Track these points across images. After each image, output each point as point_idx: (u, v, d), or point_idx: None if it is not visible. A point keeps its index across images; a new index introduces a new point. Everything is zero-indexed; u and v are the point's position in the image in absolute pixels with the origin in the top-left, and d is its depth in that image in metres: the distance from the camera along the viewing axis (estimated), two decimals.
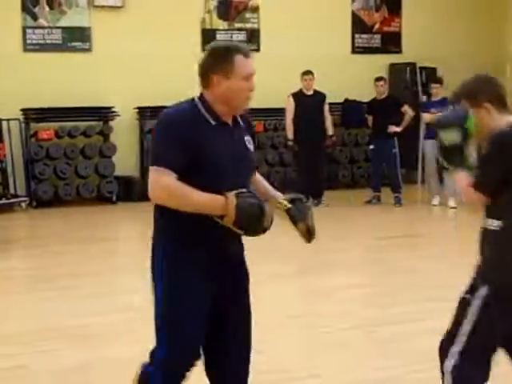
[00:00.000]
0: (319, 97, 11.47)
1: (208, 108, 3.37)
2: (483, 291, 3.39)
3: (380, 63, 13.96)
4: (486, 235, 3.45)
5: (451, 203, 11.27)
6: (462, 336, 3.45)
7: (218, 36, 13.16)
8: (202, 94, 3.42)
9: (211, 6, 13.28)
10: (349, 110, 13.50)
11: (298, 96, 11.42)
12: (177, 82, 12.12)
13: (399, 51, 14.44)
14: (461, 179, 3.49)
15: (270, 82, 11.35)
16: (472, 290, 3.46)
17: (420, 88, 13.67)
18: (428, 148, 11.61)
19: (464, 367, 3.43)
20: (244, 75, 3.38)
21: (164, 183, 3.24)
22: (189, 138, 3.26)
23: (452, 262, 7.93)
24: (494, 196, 3.38)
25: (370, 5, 14.31)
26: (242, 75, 3.37)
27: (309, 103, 11.32)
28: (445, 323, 5.54)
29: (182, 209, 3.27)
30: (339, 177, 13.53)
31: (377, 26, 14.39)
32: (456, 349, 3.46)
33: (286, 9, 13.43)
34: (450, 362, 3.46)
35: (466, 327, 3.45)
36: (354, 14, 14.19)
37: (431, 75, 13.18)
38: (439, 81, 11.70)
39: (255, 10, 13.49)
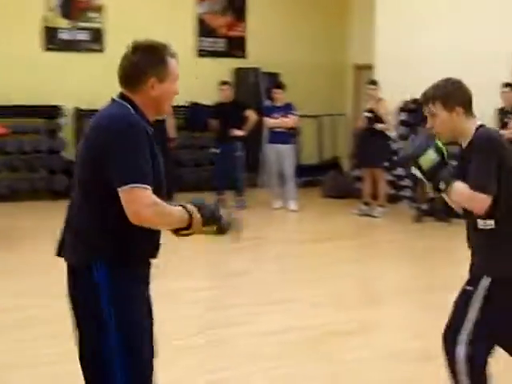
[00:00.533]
0: None
1: (142, 114, 3.10)
2: (486, 282, 3.59)
3: (225, 67, 14.07)
4: (482, 235, 3.65)
5: (292, 206, 11.52)
6: (469, 323, 3.63)
7: (60, 35, 12.90)
8: (126, 97, 3.11)
9: (53, 3, 12.97)
10: (194, 114, 13.52)
11: None
12: (15, 80, 11.81)
13: (244, 56, 14.60)
14: (460, 190, 3.58)
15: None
16: (473, 281, 3.65)
17: (263, 93, 13.89)
18: (270, 152, 11.81)
19: (476, 354, 3.60)
20: (175, 78, 3.18)
21: (150, 201, 2.91)
22: (146, 147, 3.01)
23: (287, 264, 8.14)
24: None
25: (215, 9, 14.39)
26: (173, 78, 3.17)
27: None
28: (273, 325, 5.70)
29: (163, 227, 3.04)
30: (184, 180, 13.51)
31: (222, 30, 14.49)
32: (464, 337, 3.63)
33: (132, 9, 13.32)
34: (461, 351, 3.63)
35: (472, 315, 3.63)
36: (199, 18, 14.24)
37: (274, 80, 13.41)
38: (281, 86, 11.92)
39: (99, 9, 13.29)
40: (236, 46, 14.56)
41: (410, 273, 8.14)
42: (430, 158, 3.61)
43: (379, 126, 11.05)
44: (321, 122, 14.86)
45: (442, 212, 10.90)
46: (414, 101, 12.07)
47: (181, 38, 13.83)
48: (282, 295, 6.90)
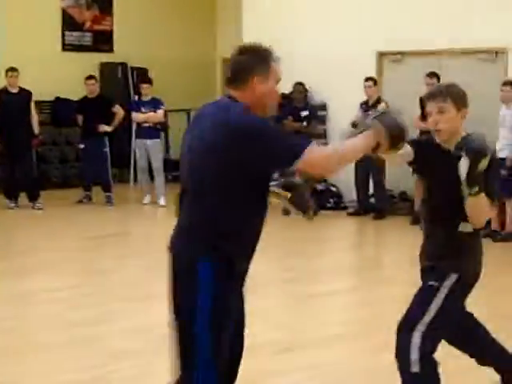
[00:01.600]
0: (25, 94, 11.13)
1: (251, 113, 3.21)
2: (452, 279, 3.74)
3: (91, 62, 13.83)
4: (456, 236, 3.78)
5: (161, 202, 11.47)
6: (429, 317, 3.73)
7: None
8: (233, 97, 3.24)
9: None
10: (59, 109, 13.26)
11: (2, 94, 11.03)
12: None
13: (111, 50, 14.40)
14: (485, 202, 3.68)
15: None
16: (439, 277, 3.77)
17: (132, 88, 13.76)
18: (138, 147, 11.72)
19: (429, 345, 3.72)
20: (277, 79, 3.31)
21: (324, 152, 3.20)
22: None
23: (153, 260, 8.08)
24: None
25: (80, 2, 14.11)
26: (276, 79, 3.30)
27: (13, 101, 10.96)
28: (138, 322, 5.65)
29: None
30: (50, 176, 13.23)
31: (88, 24, 14.23)
32: (421, 327, 3.71)
33: (33, 4, 13.03)
34: (416, 340, 3.70)
35: (433, 309, 3.75)
36: (63, 11, 13.93)
37: (142, 75, 13.30)
38: (149, 81, 11.84)
39: None
40: (103, 41, 14.33)
41: (278, 264, 8.24)
42: (484, 164, 3.61)
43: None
44: (190, 116, 14.83)
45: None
46: (281, 95, 12.22)
47: (45, 32, 13.55)
48: (148, 291, 6.85)
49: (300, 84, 11.30)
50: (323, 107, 12.07)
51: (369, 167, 10.62)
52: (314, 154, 3.10)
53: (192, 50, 15.06)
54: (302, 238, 9.50)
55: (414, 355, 3.69)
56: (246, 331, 5.37)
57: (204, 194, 3.21)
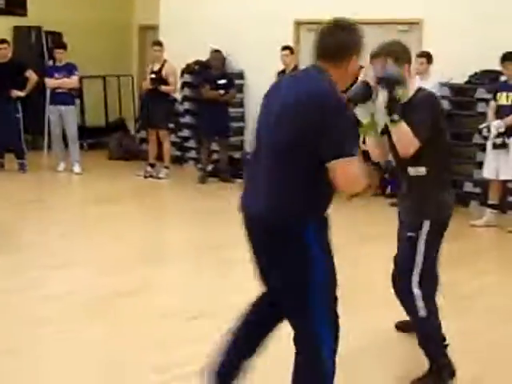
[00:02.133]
0: None
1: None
2: (426, 226, 4.17)
3: (4, 25, 13.42)
4: (414, 182, 4.25)
5: (76, 169, 11.30)
6: (418, 267, 4.23)
7: None
8: (325, 71, 3.39)
9: None
10: None
11: None
12: None
13: (24, 14, 13.99)
14: (406, 129, 4.00)
15: None
16: (415, 228, 4.21)
17: (46, 53, 13.44)
18: (52, 113, 11.49)
19: (427, 290, 4.26)
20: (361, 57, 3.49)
21: (357, 172, 3.31)
22: None
23: (68, 228, 8.01)
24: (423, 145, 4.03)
25: None
26: (360, 57, 3.48)
27: None
28: (55, 290, 5.60)
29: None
30: None
31: None
32: (416, 277, 4.24)
33: None
34: (415, 290, 4.25)
35: (420, 258, 4.22)
36: None
37: (56, 40, 13.00)
38: (63, 46, 11.58)
39: None
40: (15, 4, 13.87)
41: (194, 233, 8.21)
42: (402, 91, 4.01)
43: (163, 87, 11.02)
44: (106, 83, 14.61)
45: (226, 173, 11.12)
46: (197, 62, 12.16)
47: None
48: (64, 259, 6.77)
49: (217, 51, 11.22)
50: (241, 76, 12.03)
51: None
52: (351, 167, 3.26)
53: (109, 16, 14.77)
54: (218, 208, 9.49)
55: (420, 302, 4.25)
56: (161, 299, 5.38)
57: (304, 165, 3.34)
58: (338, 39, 3.40)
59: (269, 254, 3.50)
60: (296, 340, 3.50)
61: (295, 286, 3.41)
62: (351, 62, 3.41)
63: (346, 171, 3.25)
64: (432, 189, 4.24)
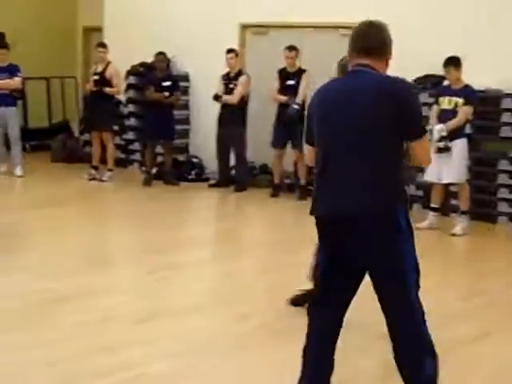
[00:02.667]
0: None
1: None
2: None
3: None
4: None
5: (18, 172, 11.11)
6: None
7: None
8: (369, 66, 3.77)
9: None
10: None
11: None
12: None
13: None
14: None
15: None
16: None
17: None
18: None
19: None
20: None
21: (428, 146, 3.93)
22: None
23: (5, 232, 7.87)
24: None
25: None
26: None
27: None
28: None
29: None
30: None
31: None
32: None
33: None
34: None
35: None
36: None
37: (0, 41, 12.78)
38: (6, 46, 11.41)
39: None
40: None
41: (138, 236, 8.16)
42: None
43: (108, 89, 10.94)
44: (49, 85, 14.43)
45: (171, 175, 11.08)
46: (142, 64, 12.09)
47: None
48: (2, 265, 6.64)
49: (161, 53, 11.16)
50: (186, 78, 12.00)
51: (230, 139, 10.66)
52: (426, 143, 3.84)
53: (53, 17, 14.59)
54: (163, 210, 9.45)
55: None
56: (105, 302, 5.31)
57: (388, 155, 3.69)
58: (381, 38, 3.84)
59: (370, 246, 3.66)
60: (407, 319, 3.74)
61: (396, 271, 3.70)
62: (388, 61, 3.86)
63: (427, 146, 3.87)
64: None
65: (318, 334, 3.87)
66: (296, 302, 5.54)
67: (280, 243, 7.92)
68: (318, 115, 3.81)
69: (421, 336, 3.76)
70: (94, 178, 11.10)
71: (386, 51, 3.82)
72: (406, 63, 9.81)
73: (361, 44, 3.79)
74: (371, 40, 3.80)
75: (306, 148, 4.07)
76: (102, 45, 11.25)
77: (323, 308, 3.85)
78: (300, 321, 5.34)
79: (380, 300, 3.74)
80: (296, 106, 10.07)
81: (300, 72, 10.32)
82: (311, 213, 3.78)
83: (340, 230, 3.68)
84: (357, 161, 3.65)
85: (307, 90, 9.73)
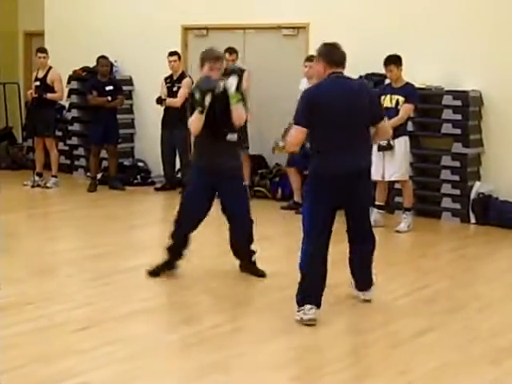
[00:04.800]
0: None
1: None
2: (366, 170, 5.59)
3: None
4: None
5: None
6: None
7: None
8: (342, 74, 5.54)
9: None
10: None
11: None
12: None
13: None
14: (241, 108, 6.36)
15: None
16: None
17: None
18: None
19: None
20: None
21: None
22: None
23: None
24: None
25: None
26: None
27: None
28: None
29: None
30: None
31: None
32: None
33: None
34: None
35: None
36: None
37: None
38: None
39: None
40: None
41: (83, 242, 8.07)
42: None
43: (49, 95, 10.81)
44: None
45: (116, 180, 10.99)
46: (84, 69, 11.98)
47: None
48: None
49: (103, 57, 11.06)
50: (129, 82, 11.92)
51: (175, 142, 10.61)
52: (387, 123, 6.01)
53: None
54: (108, 215, 9.38)
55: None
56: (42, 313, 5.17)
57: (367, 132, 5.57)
58: (344, 54, 5.55)
59: (357, 191, 5.51)
60: (367, 235, 5.74)
61: (368, 203, 6.18)
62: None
63: (387, 124, 5.91)
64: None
65: (320, 257, 5.43)
66: (153, 273, 6.51)
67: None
68: (322, 105, 5.37)
69: (375, 240, 5.83)
70: (38, 185, 10.96)
71: (345, 63, 5.54)
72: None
73: (335, 58, 5.50)
74: (342, 56, 5.54)
75: (296, 129, 5.42)
76: (43, 50, 11.11)
77: (321, 238, 5.43)
78: (245, 323, 5.35)
79: (350, 225, 5.66)
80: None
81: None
82: (321, 174, 5.39)
83: (346, 181, 5.39)
84: (352, 137, 5.43)
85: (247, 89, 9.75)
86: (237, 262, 6.74)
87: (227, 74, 6.31)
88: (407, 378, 4.53)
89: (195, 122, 6.21)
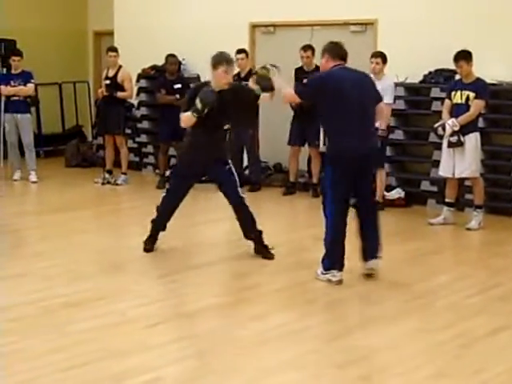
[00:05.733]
0: None
1: None
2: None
3: None
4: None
5: (32, 178, 11.16)
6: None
7: None
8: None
9: None
10: None
11: None
12: None
13: None
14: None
15: None
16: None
17: None
18: (7, 122, 11.32)
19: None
20: None
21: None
22: None
23: (22, 238, 7.86)
24: None
25: None
26: None
27: None
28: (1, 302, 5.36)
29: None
30: None
31: None
32: None
33: None
34: None
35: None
36: None
37: (11, 47, 12.83)
38: (19, 53, 11.42)
39: None
40: None
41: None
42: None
43: (119, 93, 10.95)
44: (62, 90, 14.47)
45: None
46: (153, 67, 12.10)
47: None
48: (13, 270, 6.67)
49: (172, 56, 11.15)
50: (197, 79, 11.98)
51: (242, 140, 10.65)
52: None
53: (63, 23, 14.66)
54: (177, 212, 9.43)
55: None
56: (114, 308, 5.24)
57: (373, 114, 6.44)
58: (346, 51, 6.37)
59: (365, 171, 6.32)
60: (373, 206, 6.50)
61: (371, 178, 6.67)
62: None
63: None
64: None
65: (343, 227, 6.19)
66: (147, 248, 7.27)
67: (294, 242, 7.92)
68: (335, 90, 6.09)
69: (378, 216, 6.50)
70: (108, 182, 11.12)
71: (347, 59, 6.35)
72: (416, 58, 9.86)
73: (340, 52, 6.36)
74: (344, 51, 6.38)
75: (296, 95, 6.40)
76: (113, 49, 11.25)
77: (342, 210, 6.18)
78: (315, 321, 5.34)
79: (358, 197, 6.35)
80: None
81: (316, 70, 10.26)
82: (337, 155, 6.16)
83: (359, 161, 6.15)
84: (364, 120, 6.19)
85: None
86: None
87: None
88: (482, 378, 4.46)
89: (188, 121, 6.83)
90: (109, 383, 4.35)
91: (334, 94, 6.09)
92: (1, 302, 5.74)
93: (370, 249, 6.36)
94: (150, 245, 7.34)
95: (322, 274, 6.28)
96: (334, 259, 6.24)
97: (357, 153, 6.11)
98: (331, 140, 6.27)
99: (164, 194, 7.30)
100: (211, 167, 7.15)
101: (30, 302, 5.78)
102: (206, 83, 7.04)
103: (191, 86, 8.81)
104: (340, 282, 6.21)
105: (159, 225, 7.36)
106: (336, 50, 6.35)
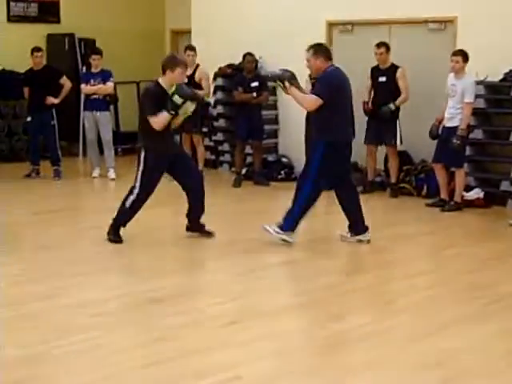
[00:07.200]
0: None
1: None
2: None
3: (37, 33, 13.58)
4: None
5: (111, 175, 11.34)
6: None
7: None
8: None
9: None
10: (5, 81, 12.98)
11: None
12: None
13: (57, 21, 14.13)
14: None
15: None
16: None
17: (80, 59, 13.54)
18: (87, 119, 11.53)
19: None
20: None
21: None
22: None
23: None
24: None
25: None
26: None
27: None
28: (85, 296, 5.56)
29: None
30: None
31: None
32: None
33: None
34: None
35: None
36: None
37: (91, 47, 13.07)
38: (99, 52, 11.61)
39: None
40: (49, 11, 14.06)
41: (232, 236, 8.18)
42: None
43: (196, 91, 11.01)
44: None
45: (261, 176, 11.11)
46: (230, 66, 12.16)
47: None
48: (96, 266, 6.78)
49: (249, 54, 11.20)
50: None
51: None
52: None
53: (140, 22, 14.88)
54: (255, 210, 9.49)
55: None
56: (195, 305, 5.26)
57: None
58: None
59: (350, 155, 7.44)
60: (353, 185, 7.62)
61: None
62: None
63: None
64: None
65: (317, 197, 7.42)
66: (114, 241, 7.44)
67: (372, 242, 7.87)
68: (340, 87, 7.20)
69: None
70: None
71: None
72: (497, 56, 9.67)
73: (330, 54, 7.33)
74: (331, 53, 7.42)
75: (317, 99, 7.07)
76: (191, 48, 11.34)
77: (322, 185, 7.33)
78: (395, 322, 5.30)
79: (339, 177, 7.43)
80: (392, 106, 10.01)
81: (392, 68, 10.18)
82: (338, 141, 7.20)
83: (350, 146, 7.39)
84: (350, 111, 7.49)
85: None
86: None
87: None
88: None
89: (163, 122, 7.23)
90: (190, 380, 4.39)
91: (339, 90, 7.20)
92: (85, 297, 5.84)
93: (361, 223, 7.45)
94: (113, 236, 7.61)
95: (277, 232, 7.30)
96: (296, 225, 7.33)
97: (350, 139, 7.50)
98: (333, 129, 7.17)
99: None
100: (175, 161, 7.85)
101: (113, 297, 5.87)
102: (156, 85, 7.50)
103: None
104: (369, 240, 7.45)
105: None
106: (328, 52, 7.38)
